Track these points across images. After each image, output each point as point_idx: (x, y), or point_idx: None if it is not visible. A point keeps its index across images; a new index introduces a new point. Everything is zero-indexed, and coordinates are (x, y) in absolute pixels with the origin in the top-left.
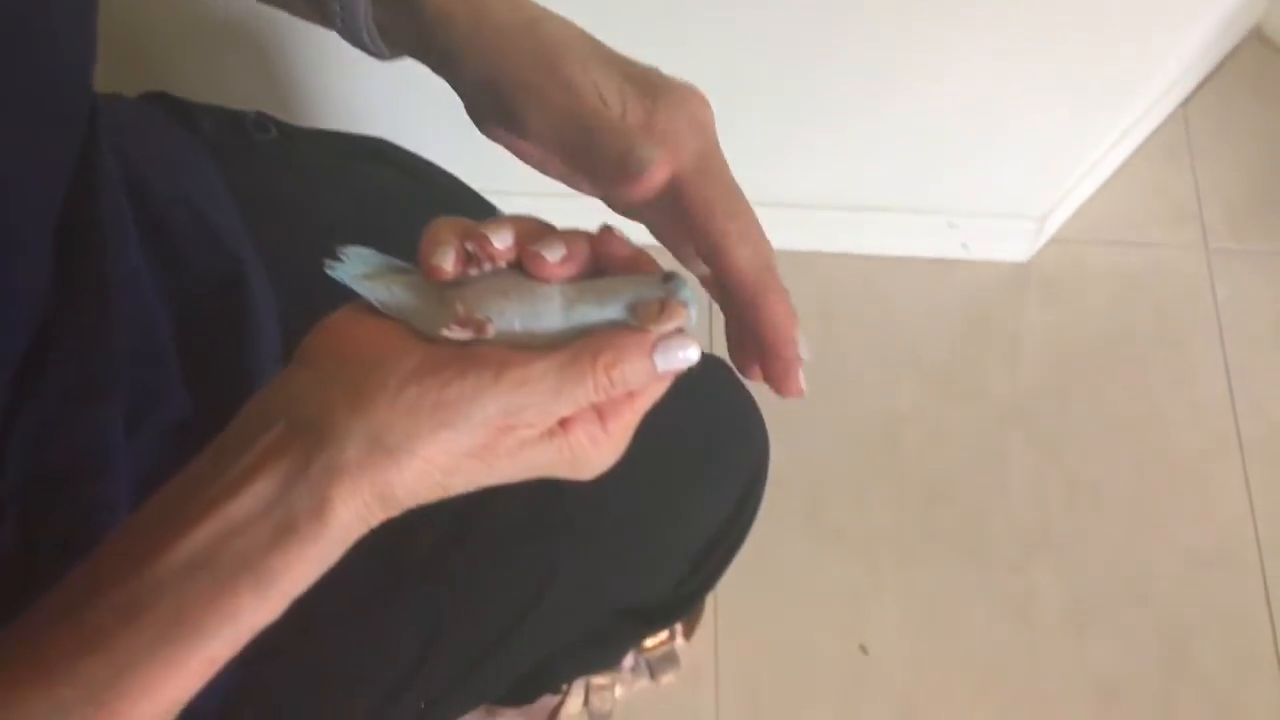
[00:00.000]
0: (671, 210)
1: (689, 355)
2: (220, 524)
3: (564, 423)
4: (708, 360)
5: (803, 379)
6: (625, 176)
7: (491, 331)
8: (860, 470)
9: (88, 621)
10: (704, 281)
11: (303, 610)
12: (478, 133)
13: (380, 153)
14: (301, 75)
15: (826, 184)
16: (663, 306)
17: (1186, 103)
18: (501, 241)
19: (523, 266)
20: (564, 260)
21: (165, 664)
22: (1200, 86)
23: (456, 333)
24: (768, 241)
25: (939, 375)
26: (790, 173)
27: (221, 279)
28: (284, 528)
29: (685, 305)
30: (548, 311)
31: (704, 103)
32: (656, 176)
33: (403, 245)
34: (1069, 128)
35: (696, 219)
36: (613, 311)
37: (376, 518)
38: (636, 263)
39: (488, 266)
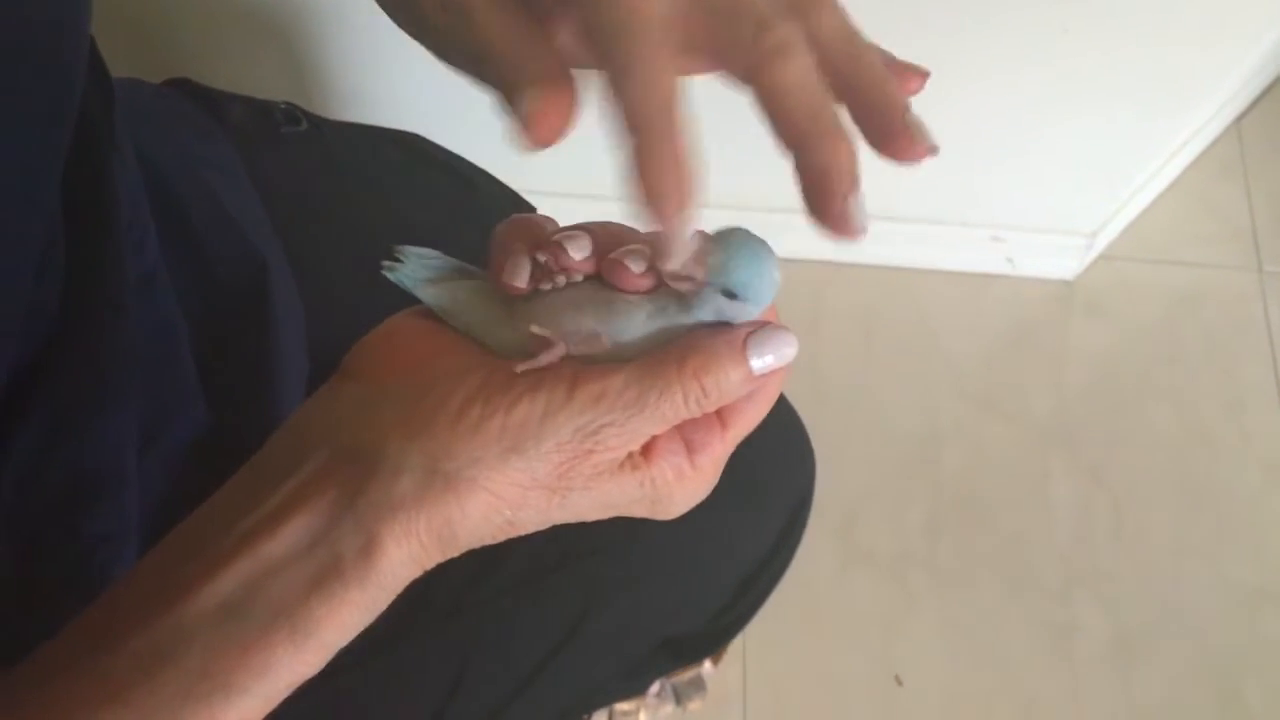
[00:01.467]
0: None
1: (785, 350)
2: (254, 564)
3: (647, 452)
4: None
5: (859, 216)
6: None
7: (565, 350)
8: (896, 491)
9: (104, 670)
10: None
11: None
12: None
13: (416, 149)
14: (332, 68)
15: (866, 193)
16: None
17: (1241, 119)
18: (579, 252)
19: (602, 277)
20: (649, 270)
21: None
22: (1255, 102)
23: (529, 365)
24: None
25: (980, 394)
26: None
27: (245, 281)
28: (327, 570)
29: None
30: (629, 326)
31: None
32: (539, 130)
33: (444, 248)
34: (1129, 138)
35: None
36: (703, 314)
37: (433, 559)
38: None
39: (561, 280)
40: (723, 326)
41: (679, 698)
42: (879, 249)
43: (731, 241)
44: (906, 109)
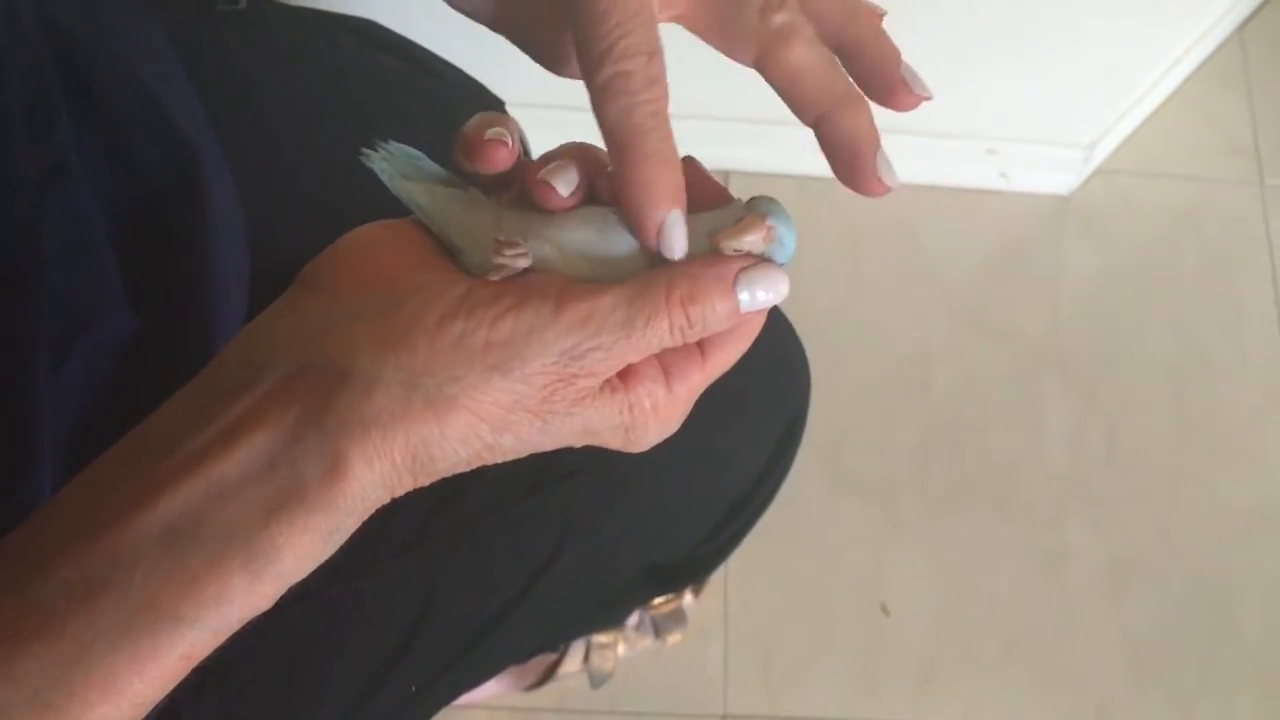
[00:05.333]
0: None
1: (776, 290)
2: (205, 485)
3: (625, 377)
4: None
5: (889, 173)
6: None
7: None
8: (884, 414)
9: (30, 601)
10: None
11: None
12: (479, 26)
13: (369, 34)
14: None
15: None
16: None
17: (1243, 27)
18: (567, 187)
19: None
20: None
21: (131, 658)
22: (1259, 9)
23: (506, 258)
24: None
25: (971, 314)
26: None
27: (173, 171)
28: (288, 492)
29: (765, 218)
30: (619, 241)
31: None
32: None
33: (406, 140)
34: (1128, 46)
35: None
36: (694, 242)
37: (404, 485)
38: (721, 198)
39: None
40: (715, 255)
41: (658, 631)
42: None
43: (774, 209)
44: (900, 61)
